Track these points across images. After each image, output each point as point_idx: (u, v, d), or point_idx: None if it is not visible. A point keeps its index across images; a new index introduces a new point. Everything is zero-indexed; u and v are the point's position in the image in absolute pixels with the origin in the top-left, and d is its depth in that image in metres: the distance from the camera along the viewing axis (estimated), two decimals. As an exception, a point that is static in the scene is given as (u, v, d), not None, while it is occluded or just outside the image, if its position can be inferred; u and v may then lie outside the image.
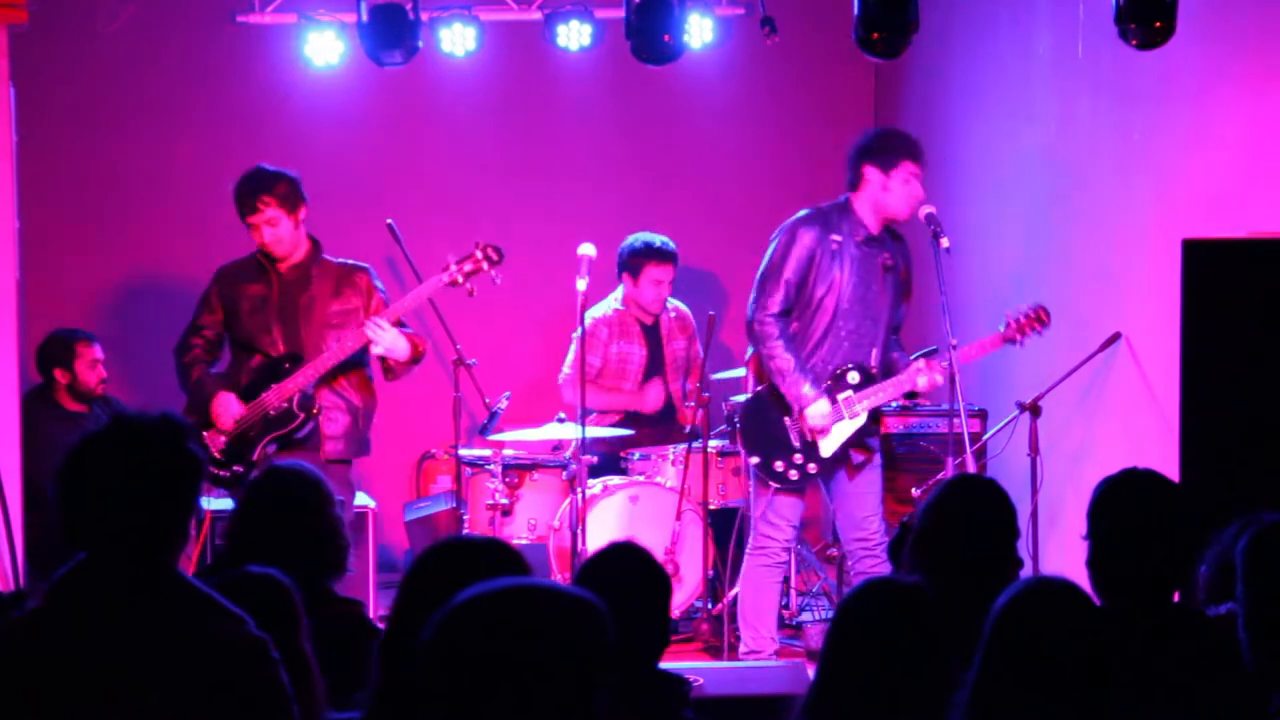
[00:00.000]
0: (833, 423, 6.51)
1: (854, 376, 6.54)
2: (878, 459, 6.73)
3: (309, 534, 4.22)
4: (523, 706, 2.29)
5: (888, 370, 6.61)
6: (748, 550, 6.78)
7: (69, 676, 2.91)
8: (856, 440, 6.59)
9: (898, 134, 6.67)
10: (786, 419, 6.58)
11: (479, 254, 6.65)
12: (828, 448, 6.57)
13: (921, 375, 6.48)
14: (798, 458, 6.58)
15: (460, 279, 6.62)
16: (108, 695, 2.90)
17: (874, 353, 6.57)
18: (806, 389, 6.47)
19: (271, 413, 6.58)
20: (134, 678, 2.91)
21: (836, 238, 6.49)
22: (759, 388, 6.71)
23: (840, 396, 6.53)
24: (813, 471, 6.59)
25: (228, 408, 6.58)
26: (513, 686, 2.29)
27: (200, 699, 2.92)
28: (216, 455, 6.60)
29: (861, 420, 6.55)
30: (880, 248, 6.56)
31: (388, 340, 6.53)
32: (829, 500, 6.81)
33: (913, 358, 6.57)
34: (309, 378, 6.55)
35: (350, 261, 6.77)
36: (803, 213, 6.60)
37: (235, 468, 6.61)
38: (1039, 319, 6.62)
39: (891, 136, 6.63)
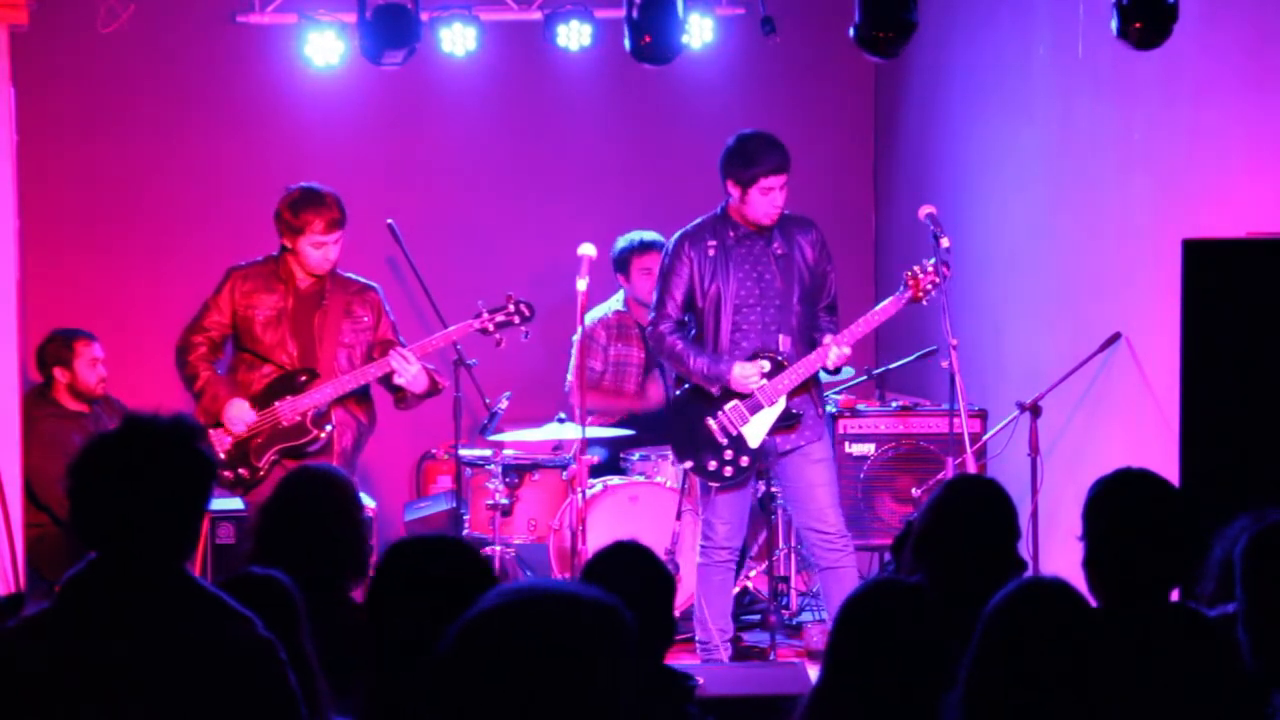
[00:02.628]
0: (751, 413, 6.60)
1: (764, 365, 6.64)
2: (827, 451, 6.78)
3: (333, 536, 4.24)
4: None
5: (810, 350, 6.68)
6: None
7: (79, 677, 2.91)
8: (780, 424, 6.65)
9: (757, 146, 6.62)
10: (709, 418, 6.66)
11: (511, 308, 6.84)
12: (754, 438, 6.62)
13: (831, 350, 6.58)
14: (728, 454, 6.66)
15: (491, 327, 6.79)
16: (117, 696, 2.90)
17: (781, 339, 6.67)
18: (720, 364, 6.59)
19: (284, 424, 6.63)
20: (143, 678, 2.91)
21: (712, 243, 6.68)
22: (676, 393, 6.81)
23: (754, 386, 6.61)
24: (745, 465, 6.67)
25: (242, 414, 6.61)
26: (538, 698, 2.26)
27: (209, 700, 2.92)
28: (221, 456, 6.62)
29: (780, 407, 6.64)
30: (767, 240, 6.67)
31: (411, 373, 6.61)
32: (783, 495, 6.87)
33: (826, 337, 6.64)
34: (327, 397, 6.63)
35: (361, 279, 6.83)
36: (680, 230, 6.78)
37: (240, 470, 6.65)
38: (938, 273, 6.65)
39: (750, 150, 6.61)
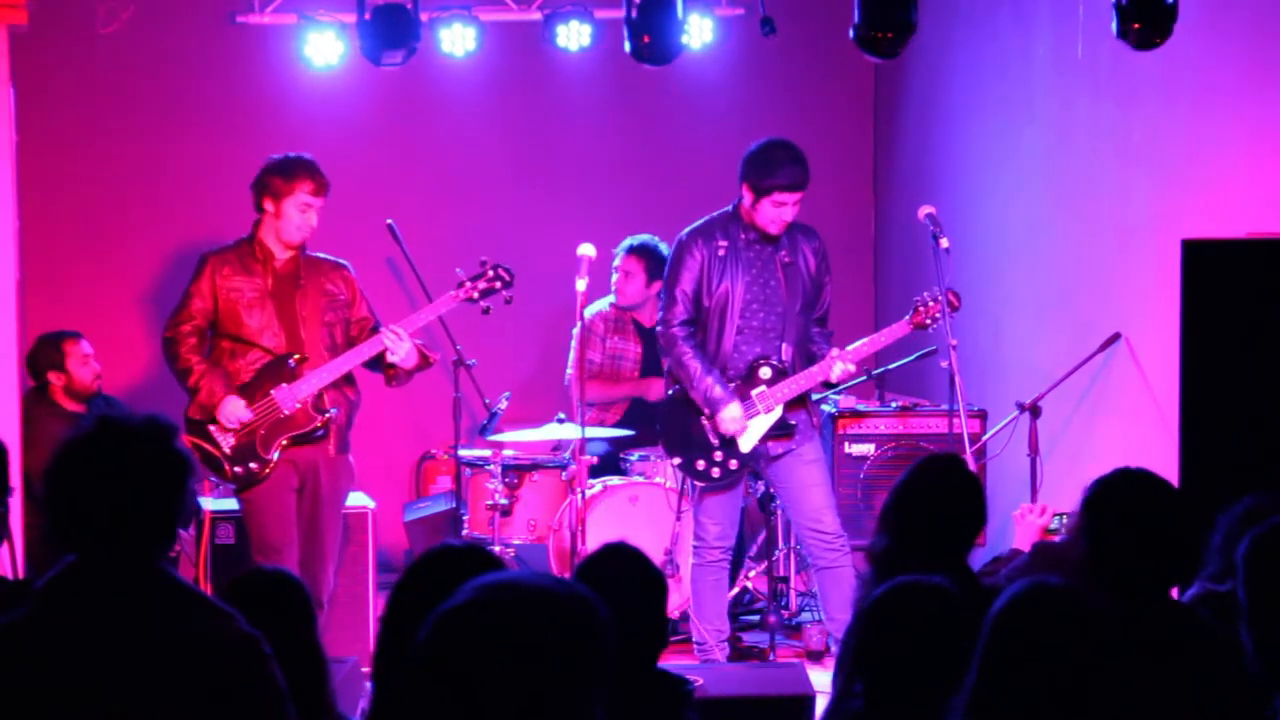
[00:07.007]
0: (747, 419, 6.62)
1: (766, 372, 6.66)
2: (819, 452, 6.80)
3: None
4: (522, 710, 2.27)
5: (808, 361, 6.70)
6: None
7: (60, 679, 2.90)
8: (774, 433, 6.67)
9: (779, 159, 6.60)
10: (703, 419, 6.69)
11: (490, 273, 6.79)
12: (746, 443, 6.65)
13: (836, 365, 6.60)
14: (718, 455, 6.69)
15: (475, 295, 6.75)
16: (99, 697, 2.90)
17: (784, 347, 6.70)
18: (717, 392, 6.60)
19: (286, 413, 6.54)
20: (125, 679, 2.90)
21: (723, 243, 6.67)
22: (673, 390, 6.79)
23: (754, 392, 6.65)
24: (734, 468, 6.70)
25: (237, 412, 6.53)
26: (511, 691, 2.27)
27: (192, 697, 2.91)
28: (228, 451, 6.56)
29: (776, 414, 6.66)
30: (775, 246, 6.68)
31: (404, 350, 6.56)
32: (777, 496, 6.87)
33: (833, 349, 6.67)
34: (324, 382, 6.57)
35: (332, 258, 6.77)
36: (690, 226, 6.77)
37: (251, 465, 6.56)
38: (949, 303, 6.66)
39: (771, 161, 6.60)
